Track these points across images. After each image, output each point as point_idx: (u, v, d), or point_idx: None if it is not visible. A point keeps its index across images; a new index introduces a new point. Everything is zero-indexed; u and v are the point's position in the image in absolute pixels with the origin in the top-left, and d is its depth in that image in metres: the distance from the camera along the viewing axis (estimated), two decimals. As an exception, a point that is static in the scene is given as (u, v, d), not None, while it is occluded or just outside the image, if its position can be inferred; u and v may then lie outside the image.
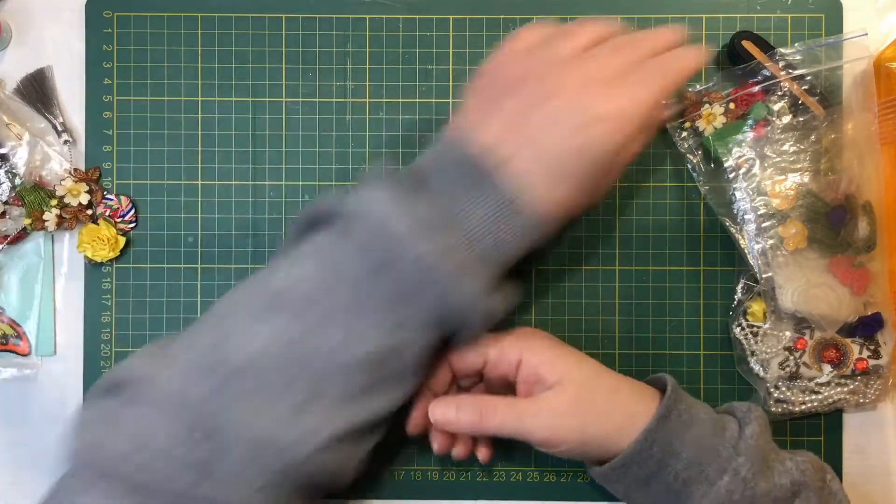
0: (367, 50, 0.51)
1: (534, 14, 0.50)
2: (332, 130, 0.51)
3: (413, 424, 0.43)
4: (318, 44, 0.51)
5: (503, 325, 0.41)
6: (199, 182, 0.51)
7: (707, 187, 0.48)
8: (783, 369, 0.47)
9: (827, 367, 0.47)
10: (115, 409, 0.35)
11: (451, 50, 0.51)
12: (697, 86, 0.49)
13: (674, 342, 0.50)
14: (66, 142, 0.50)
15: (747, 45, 0.47)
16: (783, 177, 0.47)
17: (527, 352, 0.42)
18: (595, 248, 0.50)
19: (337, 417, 0.36)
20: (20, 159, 0.50)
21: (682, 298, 0.50)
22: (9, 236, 0.50)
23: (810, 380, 0.48)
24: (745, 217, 0.47)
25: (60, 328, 0.51)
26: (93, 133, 0.51)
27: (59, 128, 0.50)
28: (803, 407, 0.48)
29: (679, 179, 0.50)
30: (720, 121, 0.47)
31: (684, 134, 0.49)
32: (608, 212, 0.50)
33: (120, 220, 0.50)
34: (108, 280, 0.50)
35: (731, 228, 0.48)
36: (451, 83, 0.51)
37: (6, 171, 0.50)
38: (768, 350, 0.48)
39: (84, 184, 0.50)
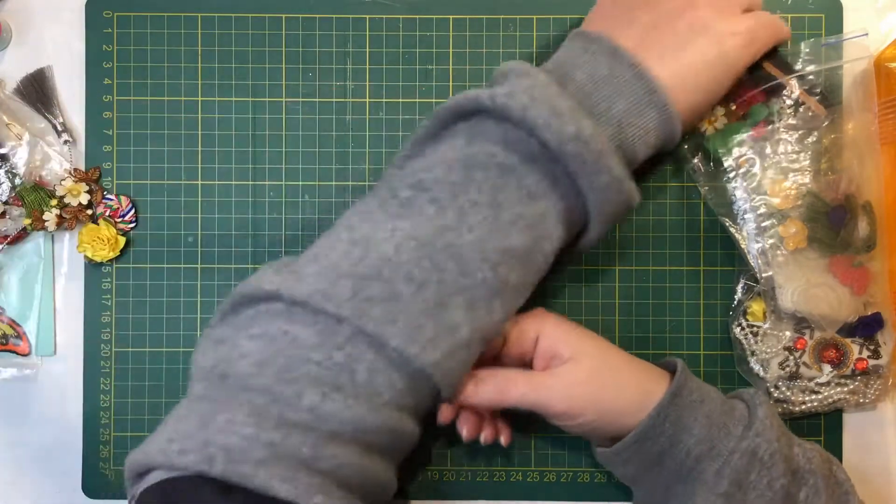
0: (367, 50, 0.51)
1: (534, 14, 0.50)
2: (332, 130, 0.51)
3: (445, 414, 0.44)
4: (318, 44, 0.51)
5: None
6: (199, 182, 0.51)
7: (707, 187, 0.48)
8: (783, 369, 0.48)
9: (827, 367, 0.47)
10: (244, 323, 0.35)
11: (451, 50, 0.51)
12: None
13: (674, 342, 0.50)
14: (66, 142, 0.50)
15: (769, 67, 0.47)
16: (783, 177, 0.46)
17: (544, 329, 0.43)
18: (595, 247, 0.50)
19: (468, 320, 0.36)
20: (20, 159, 0.50)
21: (682, 298, 0.50)
22: (9, 236, 0.50)
23: (810, 380, 0.48)
24: (745, 217, 0.47)
25: (60, 328, 0.51)
26: (93, 133, 0.51)
27: (59, 128, 0.50)
28: (803, 407, 0.48)
29: (679, 179, 0.50)
30: (721, 121, 0.47)
31: (684, 135, 0.48)
32: (608, 212, 0.50)
33: (120, 220, 0.50)
34: (108, 280, 0.50)
35: (731, 228, 0.48)
36: (451, 83, 0.51)
37: (6, 171, 0.50)
38: (768, 350, 0.48)
39: (84, 184, 0.50)
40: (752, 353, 0.48)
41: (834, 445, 0.50)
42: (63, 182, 0.49)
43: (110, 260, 0.50)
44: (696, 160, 0.48)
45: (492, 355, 0.43)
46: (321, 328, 0.34)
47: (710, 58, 0.40)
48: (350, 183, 0.50)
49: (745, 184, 0.47)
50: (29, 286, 0.51)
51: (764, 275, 0.47)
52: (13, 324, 0.51)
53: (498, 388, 0.41)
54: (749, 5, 0.43)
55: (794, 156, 0.47)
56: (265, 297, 0.35)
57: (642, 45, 0.39)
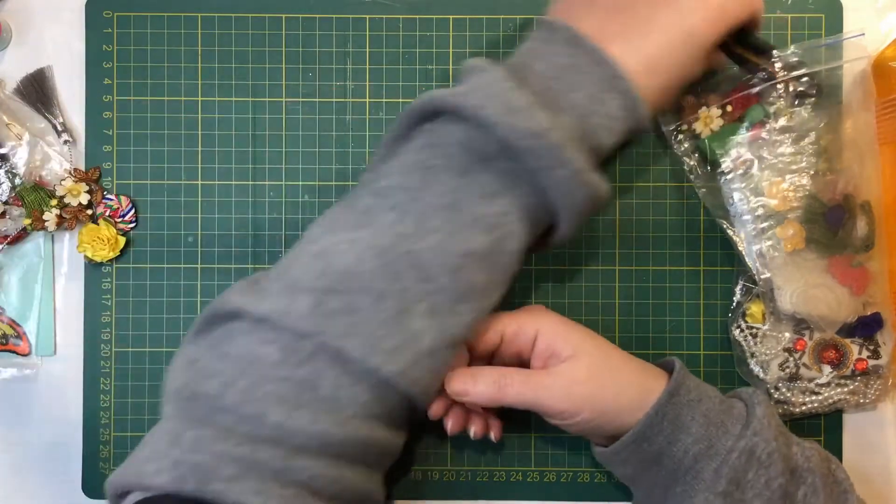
0: (367, 50, 0.51)
1: (533, 14, 0.50)
2: (332, 130, 0.51)
3: (435, 409, 0.43)
4: (318, 44, 0.51)
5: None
6: (199, 182, 0.51)
7: (704, 189, 0.48)
8: (783, 370, 0.48)
9: (827, 368, 0.47)
10: (212, 342, 0.35)
11: (451, 50, 0.51)
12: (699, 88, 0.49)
13: (674, 342, 0.50)
14: (66, 142, 0.50)
15: (741, 49, 0.45)
16: (780, 178, 0.46)
17: (543, 326, 0.42)
18: (595, 248, 0.50)
19: (432, 326, 0.35)
20: (20, 159, 0.50)
21: (682, 298, 0.50)
22: (9, 236, 0.50)
23: (810, 381, 0.48)
24: (743, 219, 0.47)
25: (60, 328, 0.51)
26: (93, 133, 0.51)
27: (59, 128, 0.50)
28: (804, 408, 0.48)
29: (679, 180, 0.50)
30: (717, 123, 0.47)
31: (681, 137, 0.48)
32: (608, 212, 0.50)
33: (120, 220, 0.50)
34: (108, 280, 0.50)
35: (729, 231, 0.48)
36: (450, 83, 0.51)
37: (6, 171, 0.50)
38: (768, 352, 0.48)
39: (84, 184, 0.50)
40: (752, 355, 0.48)
41: (834, 445, 0.50)
42: (63, 182, 0.49)
43: (110, 260, 0.50)
44: (692, 162, 0.48)
45: (488, 353, 0.43)
46: (284, 345, 0.34)
47: (675, 36, 0.38)
48: (350, 183, 0.50)
49: (741, 185, 0.47)
50: (29, 286, 0.51)
51: (762, 277, 0.47)
52: (13, 324, 0.51)
53: (495, 385, 0.41)
54: None
55: (791, 157, 0.46)
56: (231, 316, 0.35)
57: (604, 30, 0.38)
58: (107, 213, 0.50)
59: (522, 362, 0.44)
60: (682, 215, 0.50)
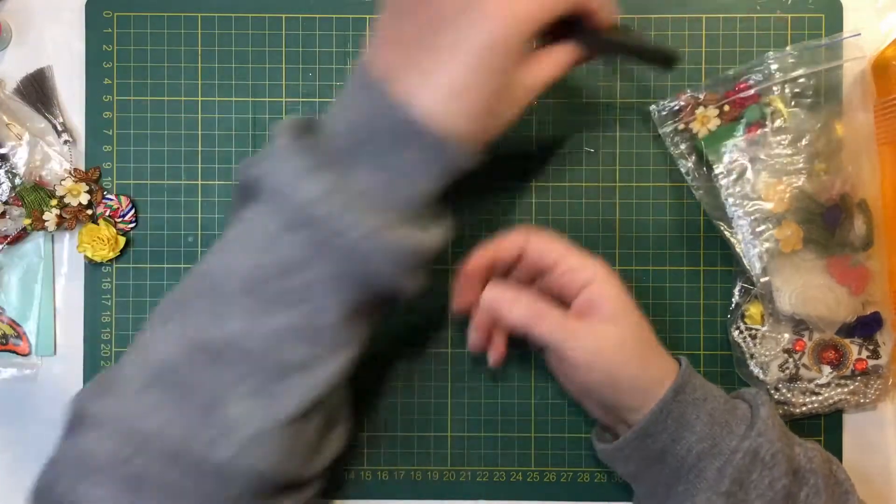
0: (367, 50, 0.51)
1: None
2: (331, 130, 0.50)
3: (458, 304, 0.44)
4: (318, 44, 0.51)
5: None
6: (199, 182, 0.51)
7: (702, 190, 0.48)
8: (783, 371, 0.47)
9: (826, 369, 0.47)
10: (71, 442, 0.36)
11: (450, 50, 0.50)
12: (688, 91, 0.49)
13: (673, 342, 0.50)
14: (66, 142, 0.50)
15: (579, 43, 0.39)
16: (777, 179, 0.46)
17: (599, 279, 0.42)
18: (595, 248, 0.50)
19: (256, 408, 0.35)
20: (20, 159, 0.50)
21: (682, 298, 0.50)
22: (9, 236, 0.50)
23: (810, 381, 0.48)
24: (740, 220, 0.47)
25: (60, 328, 0.51)
26: (93, 133, 0.51)
27: (59, 128, 0.50)
28: (804, 408, 0.48)
29: (678, 180, 0.50)
30: (714, 123, 0.47)
31: (678, 138, 0.48)
32: (608, 212, 0.50)
33: (120, 220, 0.50)
34: (108, 280, 0.50)
35: (727, 232, 0.48)
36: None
37: (6, 171, 0.50)
38: (767, 353, 0.48)
39: (84, 184, 0.50)
40: (752, 357, 0.48)
41: (834, 445, 0.50)
42: (63, 182, 0.49)
43: (110, 260, 0.50)
44: (689, 163, 0.48)
45: (536, 270, 0.43)
46: (116, 442, 0.34)
47: (471, 54, 0.34)
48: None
49: (738, 187, 0.47)
50: (29, 286, 0.51)
51: (761, 278, 0.47)
52: (13, 324, 0.51)
53: (530, 314, 0.41)
54: None
55: (788, 158, 0.46)
56: (79, 415, 0.36)
57: (405, 67, 0.34)
58: (107, 213, 0.50)
59: (559, 298, 0.43)
60: (681, 216, 0.50)
